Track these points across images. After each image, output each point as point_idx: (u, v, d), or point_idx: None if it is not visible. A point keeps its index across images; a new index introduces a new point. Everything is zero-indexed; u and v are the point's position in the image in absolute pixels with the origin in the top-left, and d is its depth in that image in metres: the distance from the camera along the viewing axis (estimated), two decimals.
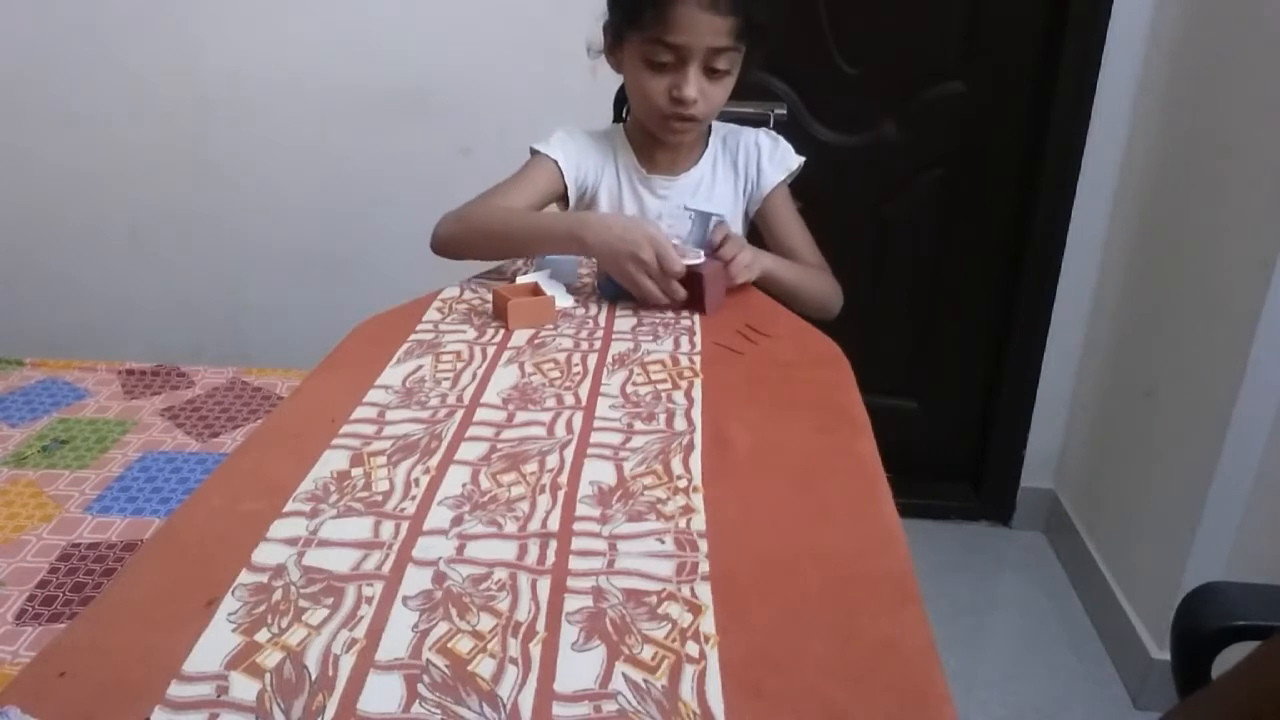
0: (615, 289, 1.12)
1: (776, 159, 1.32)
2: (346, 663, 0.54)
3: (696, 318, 1.07)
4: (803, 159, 1.33)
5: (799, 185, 1.36)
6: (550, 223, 1.17)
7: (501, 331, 1.03)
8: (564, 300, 1.10)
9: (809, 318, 1.10)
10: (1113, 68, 1.93)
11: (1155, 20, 1.88)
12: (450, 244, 1.21)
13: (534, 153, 1.28)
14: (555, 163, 1.26)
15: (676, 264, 1.07)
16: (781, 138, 1.34)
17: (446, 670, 0.54)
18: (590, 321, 1.06)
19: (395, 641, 0.56)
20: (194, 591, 0.60)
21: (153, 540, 0.72)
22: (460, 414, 0.84)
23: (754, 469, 0.76)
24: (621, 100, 1.37)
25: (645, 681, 0.53)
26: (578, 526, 0.67)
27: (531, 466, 0.75)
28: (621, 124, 1.35)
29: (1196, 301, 1.73)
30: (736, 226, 1.33)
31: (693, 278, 1.08)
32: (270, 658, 0.55)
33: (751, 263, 1.16)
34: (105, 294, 2.31)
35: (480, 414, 0.84)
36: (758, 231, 1.35)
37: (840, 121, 2.13)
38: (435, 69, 2.06)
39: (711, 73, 1.16)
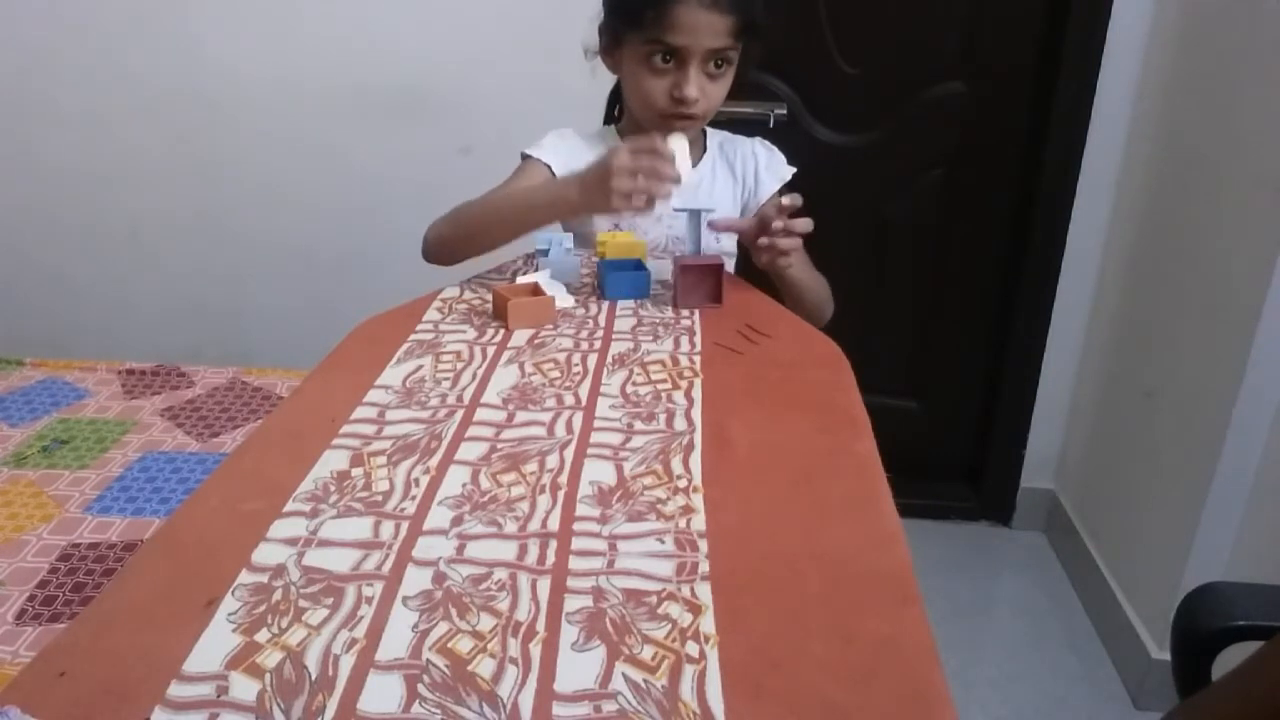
0: (616, 289, 1.12)
1: (773, 168, 1.33)
2: (346, 663, 0.54)
3: (696, 317, 1.07)
4: (794, 169, 1.34)
5: (800, 184, 1.36)
6: (535, 195, 1.16)
7: (501, 331, 1.03)
8: (564, 300, 1.10)
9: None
10: (1113, 68, 1.93)
11: (1155, 20, 1.88)
12: (443, 245, 1.20)
13: (525, 157, 1.27)
14: (547, 167, 1.25)
15: (653, 142, 1.04)
16: (775, 148, 1.36)
17: (446, 670, 0.54)
18: (590, 321, 1.06)
19: (395, 641, 0.56)
20: (194, 591, 0.60)
21: (153, 540, 0.72)
22: (460, 414, 0.84)
23: (754, 469, 0.76)
24: (613, 102, 1.37)
25: (645, 681, 0.53)
26: (578, 526, 0.67)
27: (531, 466, 0.75)
28: (614, 125, 1.35)
29: (1196, 301, 1.73)
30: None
31: (709, 270, 1.09)
32: (270, 658, 0.55)
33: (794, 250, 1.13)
34: (105, 294, 2.31)
35: (480, 414, 0.84)
36: None
37: (840, 121, 2.13)
38: (435, 69, 2.06)
39: (711, 71, 1.16)
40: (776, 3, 1.20)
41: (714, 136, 1.34)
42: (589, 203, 1.08)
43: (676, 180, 1.05)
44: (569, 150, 1.28)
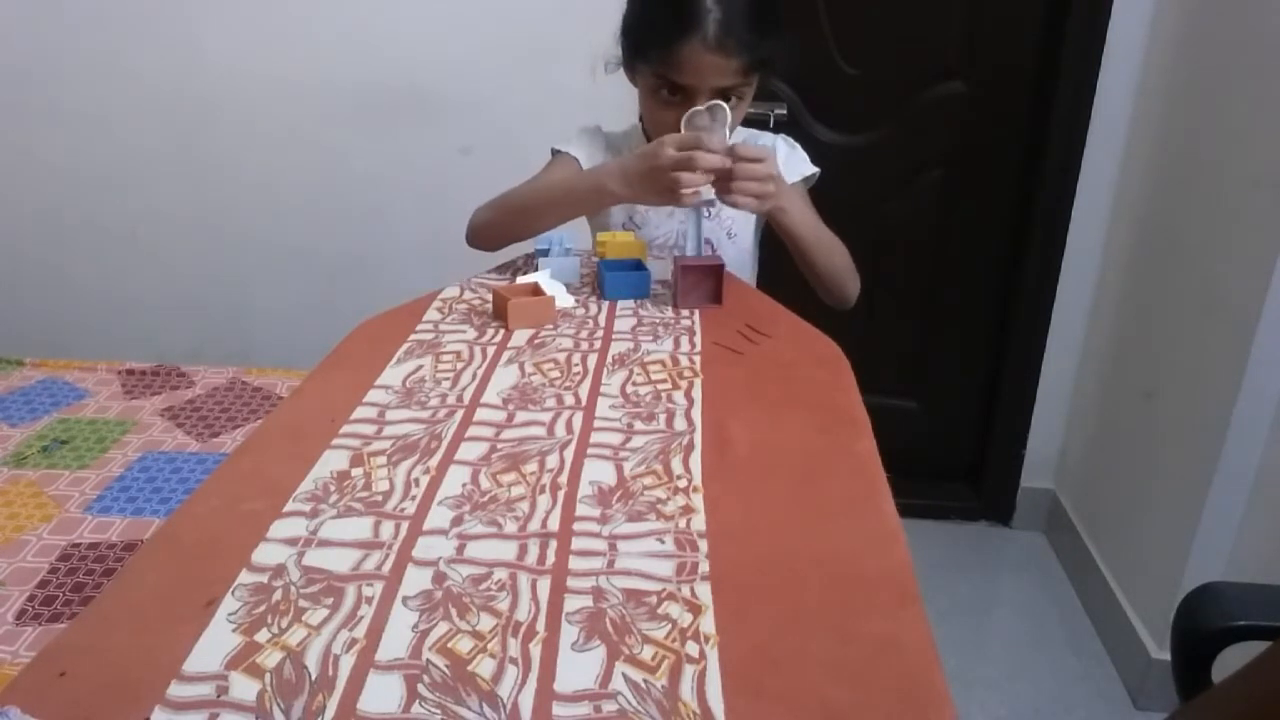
0: (615, 289, 1.12)
1: (791, 164, 1.30)
2: (346, 663, 0.54)
3: (697, 317, 1.07)
4: (817, 170, 1.32)
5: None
6: (575, 183, 1.20)
7: (501, 331, 1.03)
8: (564, 300, 1.10)
9: (818, 314, 1.09)
10: (1113, 68, 1.93)
11: (1155, 20, 1.88)
12: (486, 229, 1.24)
13: (555, 152, 1.31)
14: (576, 160, 1.28)
15: (702, 138, 1.05)
16: (799, 146, 1.34)
17: (446, 670, 0.54)
18: (590, 321, 1.06)
19: (395, 641, 0.56)
20: (194, 591, 0.60)
21: (153, 540, 0.72)
22: (460, 414, 0.84)
23: (754, 469, 0.76)
24: None
25: (645, 681, 0.53)
26: (578, 526, 0.67)
27: (531, 466, 0.75)
28: (641, 123, 1.35)
29: (1196, 301, 1.73)
30: (750, 226, 1.33)
31: (709, 270, 1.09)
32: (270, 658, 0.55)
33: (765, 194, 1.08)
34: (105, 294, 2.31)
35: (480, 414, 0.84)
36: (773, 235, 1.34)
37: (840, 121, 2.13)
38: (435, 69, 2.06)
39: (722, 98, 1.14)
40: (785, 31, 1.18)
41: (738, 134, 1.33)
42: (636, 194, 1.11)
43: (720, 165, 1.05)
44: (596, 146, 1.30)
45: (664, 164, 1.04)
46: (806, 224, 1.20)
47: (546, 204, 1.20)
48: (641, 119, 1.35)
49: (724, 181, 1.07)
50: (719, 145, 1.07)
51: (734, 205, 1.09)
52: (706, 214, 1.27)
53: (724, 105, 1.12)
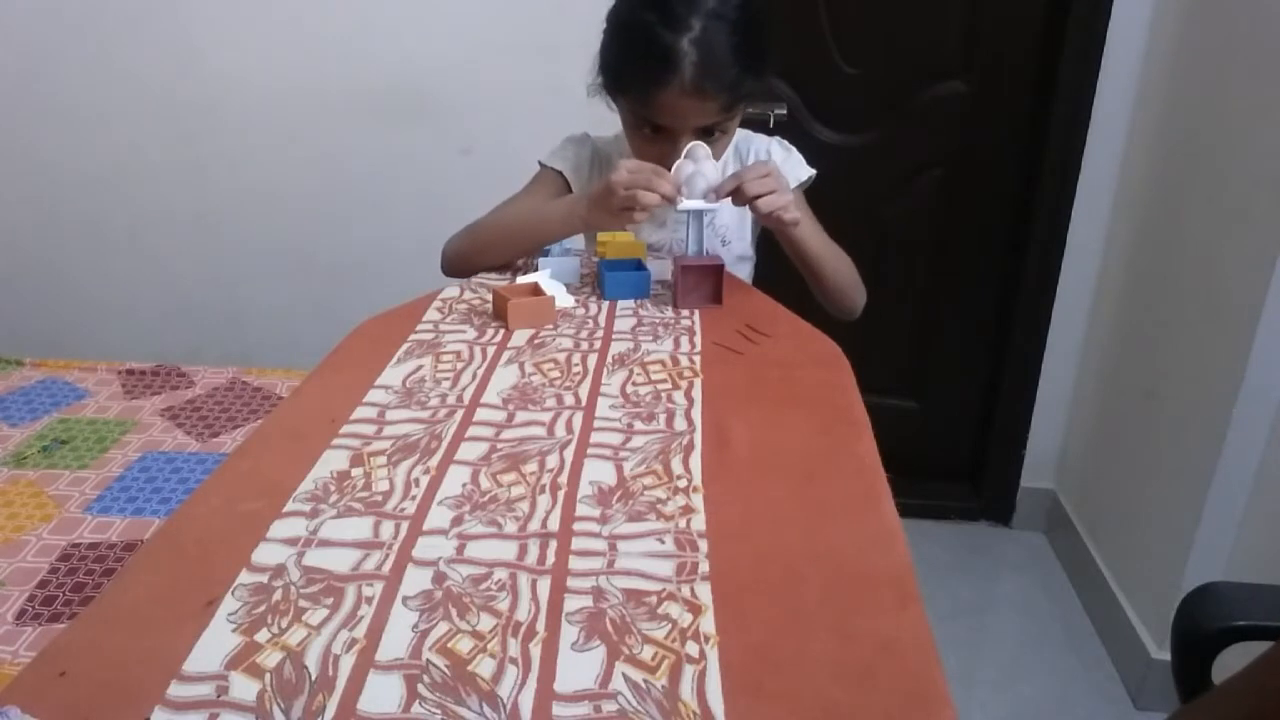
0: (615, 289, 1.12)
1: (787, 167, 1.28)
2: (346, 663, 0.54)
3: (697, 317, 1.07)
4: (814, 171, 1.31)
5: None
6: (548, 212, 1.20)
7: (501, 331, 1.03)
8: (564, 300, 1.10)
9: (818, 314, 1.09)
10: (1113, 68, 1.93)
11: (1155, 21, 1.88)
12: (460, 259, 1.24)
13: (541, 166, 1.30)
14: (560, 174, 1.27)
15: (659, 173, 1.06)
16: (794, 149, 1.33)
17: (446, 670, 0.54)
18: (590, 321, 1.06)
19: (395, 641, 0.56)
20: (194, 592, 0.60)
21: (152, 540, 0.72)
22: (460, 414, 0.84)
23: (754, 469, 0.76)
24: None
25: (645, 681, 0.53)
26: (578, 526, 0.67)
27: (531, 466, 0.75)
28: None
29: (1196, 301, 1.73)
30: (745, 232, 1.32)
31: (709, 271, 1.09)
32: (270, 658, 0.55)
33: (780, 187, 1.09)
34: (105, 294, 2.32)
35: (480, 414, 0.84)
36: (770, 238, 1.34)
37: (840, 121, 2.13)
38: (435, 69, 2.06)
39: (705, 134, 1.13)
40: (777, 2, 1.18)
41: (733, 138, 1.33)
42: (595, 219, 1.13)
43: (673, 195, 1.07)
44: (583, 157, 1.29)
45: (615, 185, 1.06)
46: (816, 236, 1.20)
47: (520, 235, 1.21)
48: None
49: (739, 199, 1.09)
50: (716, 175, 1.08)
51: (765, 220, 1.11)
52: (706, 218, 1.27)
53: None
